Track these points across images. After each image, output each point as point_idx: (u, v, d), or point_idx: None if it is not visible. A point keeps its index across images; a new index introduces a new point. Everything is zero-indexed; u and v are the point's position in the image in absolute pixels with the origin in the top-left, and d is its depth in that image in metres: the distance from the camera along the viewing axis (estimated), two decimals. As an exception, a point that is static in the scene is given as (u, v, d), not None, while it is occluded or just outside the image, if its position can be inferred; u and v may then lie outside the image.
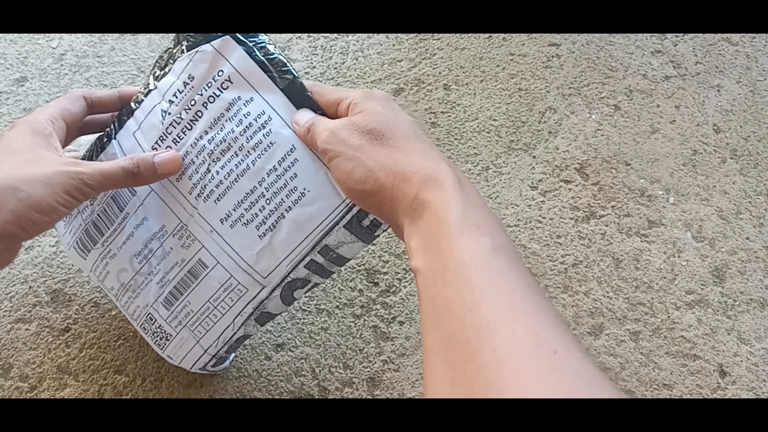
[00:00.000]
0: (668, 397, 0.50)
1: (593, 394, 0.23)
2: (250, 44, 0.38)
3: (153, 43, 0.65)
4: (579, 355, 0.24)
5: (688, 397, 0.50)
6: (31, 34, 0.64)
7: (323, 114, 0.37)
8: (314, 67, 0.65)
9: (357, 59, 0.66)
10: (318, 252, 0.39)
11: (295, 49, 0.66)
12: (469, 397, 0.24)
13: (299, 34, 0.67)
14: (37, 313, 0.50)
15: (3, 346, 0.49)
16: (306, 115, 0.37)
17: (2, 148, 0.36)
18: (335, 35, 0.67)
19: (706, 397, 0.50)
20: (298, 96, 0.38)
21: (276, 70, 0.38)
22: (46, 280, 0.51)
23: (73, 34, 0.65)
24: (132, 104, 0.41)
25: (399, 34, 0.68)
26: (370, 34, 0.67)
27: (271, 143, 0.38)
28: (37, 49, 0.64)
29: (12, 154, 0.36)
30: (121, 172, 0.37)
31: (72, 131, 0.41)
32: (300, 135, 0.37)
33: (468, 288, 0.27)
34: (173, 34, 0.41)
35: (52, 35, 0.65)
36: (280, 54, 0.38)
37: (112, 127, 0.42)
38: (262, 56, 0.38)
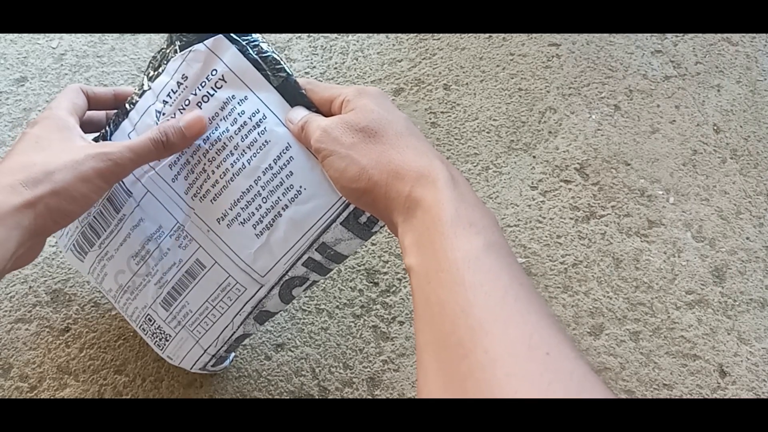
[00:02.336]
0: (668, 397, 0.50)
1: (585, 395, 0.23)
2: (243, 43, 0.38)
3: (153, 43, 0.65)
4: (572, 356, 0.24)
5: (688, 397, 0.50)
6: (31, 34, 0.64)
7: (317, 111, 0.37)
8: (314, 67, 0.65)
9: (357, 59, 0.66)
10: (315, 250, 0.39)
11: (295, 49, 0.66)
12: (462, 397, 0.24)
13: (299, 34, 0.67)
14: (37, 313, 0.50)
15: (3, 346, 0.49)
16: (300, 113, 0.37)
17: (31, 145, 0.36)
18: (335, 35, 0.67)
19: (706, 397, 0.50)
20: (293, 94, 0.38)
21: (269, 68, 0.38)
22: (46, 280, 0.51)
23: (73, 34, 0.65)
24: (127, 105, 0.41)
25: (399, 34, 0.68)
26: (370, 34, 0.67)
27: (266, 142, 0.38)
28: (37, 49, 0.64)
29: (42, 150, 0.36)
30: (151, 144, 0.37)
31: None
32: (294, 133, 0.37)
33: (461, 288, 0.27)
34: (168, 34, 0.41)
35: (52, 35, 0.65)
36: (273, 52, 0.38)
37: (107, 128, 0.42)
38: (255, 54, 0.38)
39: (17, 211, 0.33)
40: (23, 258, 0.35)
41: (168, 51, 0.40)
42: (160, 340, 0.43)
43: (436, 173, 0.31)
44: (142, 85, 0.41)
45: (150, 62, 0.41)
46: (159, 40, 0.66)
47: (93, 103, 0.42)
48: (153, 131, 0.38)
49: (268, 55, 0.38)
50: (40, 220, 0.34)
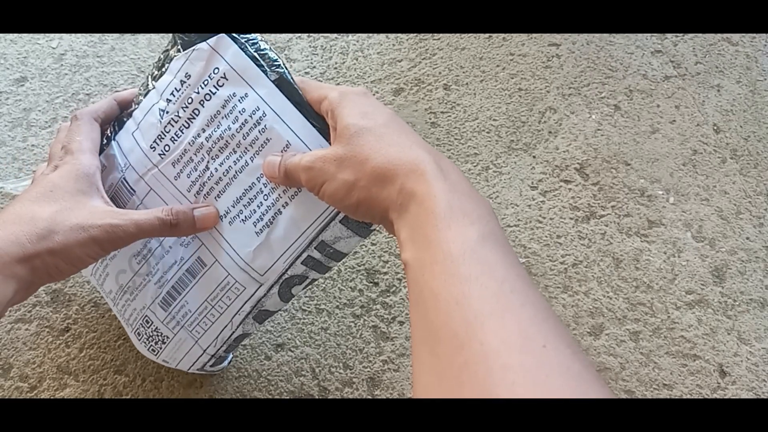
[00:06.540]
0: (668, 397, 0.50)
1: (582, 389, 0.23)
2: (243, 41, 0.38)
3: (153, 43, 0.65)
4: (568, 350, 0.24)
5: (688, 397, 0.50)
6: (31, 34, 0.64)
7: (311, 110, 0.38)
8: (314, 67, 0.65)
9: (357, 59, 0.66)
10: (315, 248, 0.39)
11: (295, 49, 0.66)
12: (457, 390, 0.24)
13: (299, 34, 0.67)
14: (37, 313, 0.50)
15: (3, 346, 0.49)
16: (275, 160, 0.37)
17: (45, 192, 0.37)
18: (335, 35, 0.67)
19: (706, 397, 0.50)
20: (290, 90, 0.38)
21: (267, 64, 0.38)
22: (46, 280, 0.51)
23: (73, 34, 0.65)
24: (132, 105, 0.41)
25: (399, 34, 0.68)
26: (370, 34, 0.67)
27: (267, 140, 0.38)
28: (37, 49, 0.64)
29: (54, 202, 0.36)
30: (158, 222, 0.38)
31: None
32: (280, 182, 0.38)
33: (456, 280, 0.26)
34: (171, 35, 0.41)
35: (52, 35, 0.65)
36: (270, 50, 0.38)
37: (111, 128, 0.42)
38: (254, 51, 0.38)
39: (16, 263, 0.34)
40: (13, 302, 0.36)
41: (171, 51, 0.40)
42: (156, 343, 0.43)
43: (423, 166, 0.31)
44: (147, 84, 0.41)
45: (155, 63, 0.41)
46: (159, 40, 0.66)
47: (104, 124, 0.43)
48: (165, 210, 0.38)
49: (266, 53, 0.38)
50: (36, 273, 0.35)
